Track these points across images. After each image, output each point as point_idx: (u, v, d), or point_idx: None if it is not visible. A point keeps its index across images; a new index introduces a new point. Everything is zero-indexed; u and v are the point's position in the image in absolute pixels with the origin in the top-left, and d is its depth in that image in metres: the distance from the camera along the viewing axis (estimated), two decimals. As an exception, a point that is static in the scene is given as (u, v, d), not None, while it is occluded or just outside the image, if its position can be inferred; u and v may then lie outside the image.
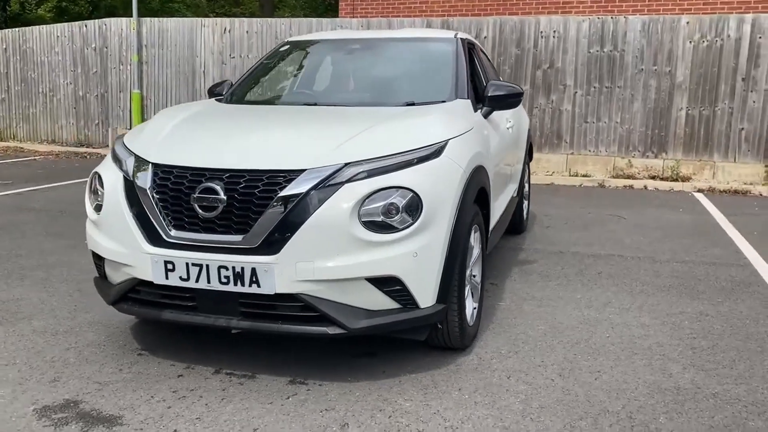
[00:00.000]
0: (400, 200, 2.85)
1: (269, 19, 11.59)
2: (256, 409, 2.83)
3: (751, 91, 9.25)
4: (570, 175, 9.93)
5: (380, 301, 2.90)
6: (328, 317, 2.84)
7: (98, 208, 3.22)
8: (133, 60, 12.04)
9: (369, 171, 2.88)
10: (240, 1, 32.32)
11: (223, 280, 2.85)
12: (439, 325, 3.16)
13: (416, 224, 2.86)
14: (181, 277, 2.91)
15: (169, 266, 2.91)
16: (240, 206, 2.85)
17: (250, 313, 2.93)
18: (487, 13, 11.77)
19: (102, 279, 3.38)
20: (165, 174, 3.00)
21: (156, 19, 12.16)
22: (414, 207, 2.87)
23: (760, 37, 9.14)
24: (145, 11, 12.15)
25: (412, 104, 3.77)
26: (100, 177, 3.24)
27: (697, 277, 4.87)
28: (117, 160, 3.27)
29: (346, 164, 2.88)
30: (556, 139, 10.07)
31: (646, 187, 9.35)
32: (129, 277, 3.07)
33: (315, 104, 3.86)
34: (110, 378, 3.12)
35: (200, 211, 2.88)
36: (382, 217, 2.84)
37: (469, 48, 4.61)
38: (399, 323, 2.95)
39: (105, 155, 13.05)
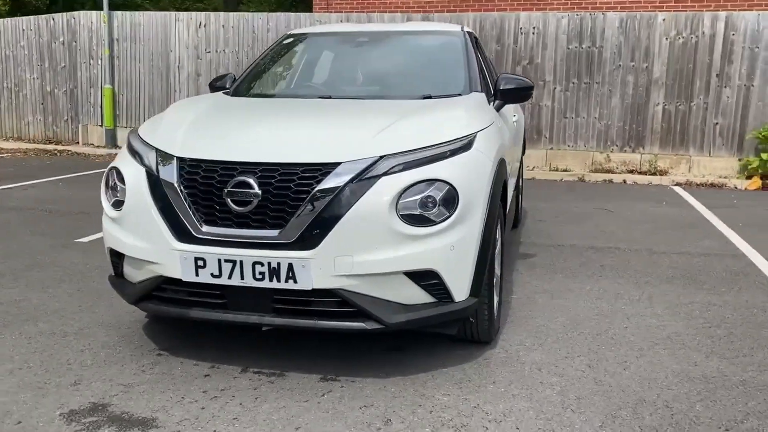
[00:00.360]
0: (437, 193, 2.83)
1: (246, 13, 11.42)
2: (294, 408, 2.77)
3: (725, 87, 9.48)
4: (550, 170, 10.04)
5: (416, 295, 2.87)
6: (366, 312, 2.80)
7: (118, 205, 3.11)
8: (104, 54, 11.72)
9: (404, 164, 2.84)
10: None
11: (258, 276, 2.78)
12: (471, 319, 3.15)
13: (453, 217, 2.84)
14: (212, 274, 2.82)
15: (200, 263, 2.82)
16: (276, 200, 2.78)
17: (284, 310, 2.86)
18: (463, 9, 11.80)
19: (119, 278, 3.26)
20: (192, 168, 2.91)
21: (128, 12, 11.87)
22: (450, 200, 2.85)
23: (733, 35, 9.37)
24: (110, 5, 11.81)
25: (429, 97, 3.74)
26: (118, 172, 3.13)
27: (696, 268, 4.96)
28: (136, 154, 3.15)
29: (381, 157, 2.84)
30: (536, 134, 10.16)
31: (625, 182, 9.51)
32: (154, 275, 2.97)
33: (329, 97, 3.79)
34: (134, 379, 3.02)
35: (233, 205, 2.80)
36: (419, 210, 2.81)
37: (474, 41, 4.61)
38: (434, 317, 2.92)
39: (76, 152, 12.49)
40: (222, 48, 11.25)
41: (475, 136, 3.13)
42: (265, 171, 2.81)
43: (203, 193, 2.86)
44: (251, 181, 2.79)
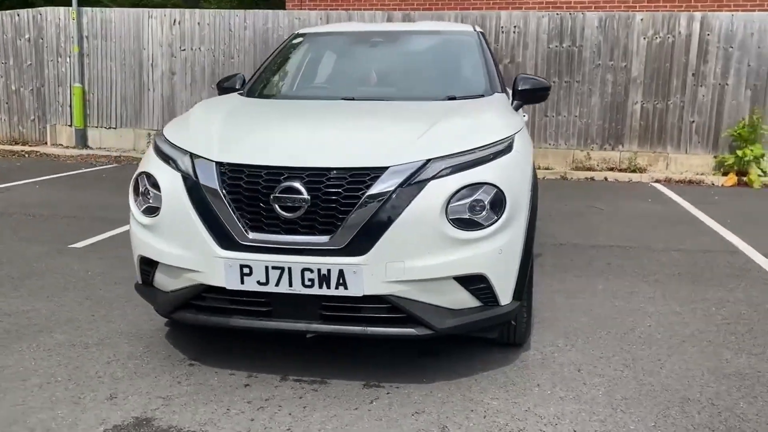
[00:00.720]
0: (485, 196, 2.81)
1: (222, 10, 11.21)
2: (345, 416, 2.72)
3: (701, 86, 9.72)
4: (532, 168, 10.12)
5: (464, 299, 2.85)
6: (417, 318, 2.76)
7: (150, 211, 3.00)
8: (73, 52, 11.36)
9: (452, 167, 2.81)
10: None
11: (307, 283, 2.72)
12: (513, 322, 3.14)
13: (501, 221, 2.82)
14: (258, 282, 2.75)
15: (246, 270, 2.75)
16: (325, 206, 2.72)
17: (332, 317, 2.81)
18: (439, 8, 11.81)
19: (148, 286, 3.15)
20: (235, 173, 2.83)
21: (98, 9, 11.53)
22: (498, 203, 2.83)
23: (708, 35, 9.60)
24: (67, 1, 11.46)
25: (453, 98, 3.72)
26: (151, 177, 3.01)
27: (699, 265, 5.06)
28: (167, 158, 3.05)
29: (428, 160, 2.81)
30: (517, 132, 10.22)
31: (606, 179, 9.66)
32: (193, 283, 2.88)
33: (352, 99, 3.74)
34: (171, 391, 2.92)
35: (281, 211, 2.73)
36: (468, 213, 2.79)
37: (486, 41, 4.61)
38: (481, 322, 2.91)
39: (45, 153, 12.06)
40: (197, 45, 11.03)
41: (513, 138, 3.12)
42: (313, 176, 2.75)
43: (248, 199, 2.78)
44: (300, 186, 2.72)
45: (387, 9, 11.72)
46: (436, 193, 2.74)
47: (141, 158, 10.60)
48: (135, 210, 3.08)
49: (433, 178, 2.76)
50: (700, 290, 4.44)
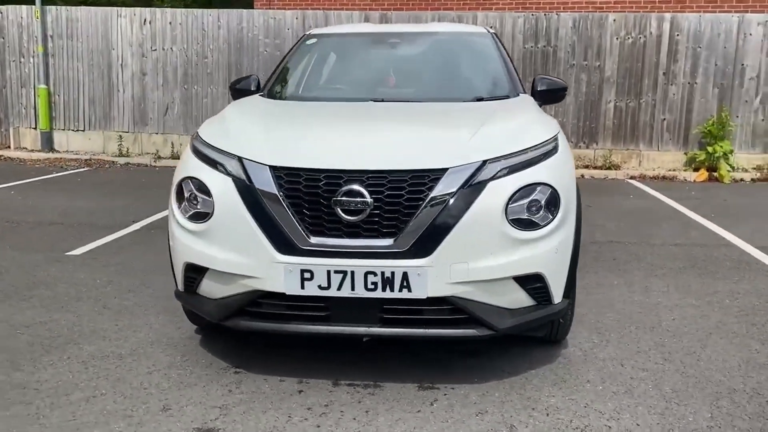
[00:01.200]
0: (541, 196, 2.84)
1: (195, 9, 10.99)
2: (411, 419, 2.71)
3: (671, 84, 10.02)
4: (510, 166, 10.25)
5: (521, 299, 2.88)
6: (478, 319, 2.78)
7: (199, 217, 2.93)
8: (37, 52, 10.97)
9: (508, 168, 2.84)
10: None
11: (370, 286, 2.70)
12: (561, 320, 3.19)
13: (556, 220, 2.87)
14: (320, 286, 2.72)
15: (307, 275, 2.71)
16: (389, 208, 2.71)
17: (393, 320, 2.79)
18: (397, 8, 11.83)
19: (191, 294, 3.08)
20: (292, 177, 2.78)
21: (63, 7, 11.16)
22: (553, 202, 2.87)
23: (677, 35, 9.91)
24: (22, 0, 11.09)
25: (481, 99, 3.76)
26: (198, 182, 2.94)
27: (700, 258, 5.22)
28: (214, 163, 2.97)
29: (485, 161, 2.82)
30: (495, 131, 10.34)
31: (583, 176, 9.86)
32: (248, 289, 2.82)
33: (382, 100, 3.72)
34: (225, 400, 2.86)
35: (344, 215, 2.70)
36: (526, 214, 2.82)
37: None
38: (536, 320, 2.94)
39: (10, 157, 11.71)
40: (169, 45, 10.79)
41: (558, 138, 3.17)
42: (373, 178, 2.73)
43: (309, 203, 2.74)
44: (362, 189, 2.70)
45: (360, 9, 11.70)
46: (496, 194, 2.76)
47: (113, 161, 10.43)
48: (180, 216, 3.00)
49: (492, 179, 2.78)
50: (709, 283, 4.58)
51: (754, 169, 9.90)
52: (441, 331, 2.80)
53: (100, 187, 8.37)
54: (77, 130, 11.20)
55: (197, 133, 3.27)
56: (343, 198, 2.70)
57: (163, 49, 10.81)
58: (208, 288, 2.98)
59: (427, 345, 3.37)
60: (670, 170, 9.98)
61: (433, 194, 2.71)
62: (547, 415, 2.76)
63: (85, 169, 10.05)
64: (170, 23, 10.75)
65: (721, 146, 9.57)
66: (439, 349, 3.36)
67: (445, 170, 2.76)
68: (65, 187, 8.41)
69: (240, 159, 2.91)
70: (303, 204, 2.75)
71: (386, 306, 2.77)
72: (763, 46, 9.80)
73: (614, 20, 10.00)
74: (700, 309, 4.05)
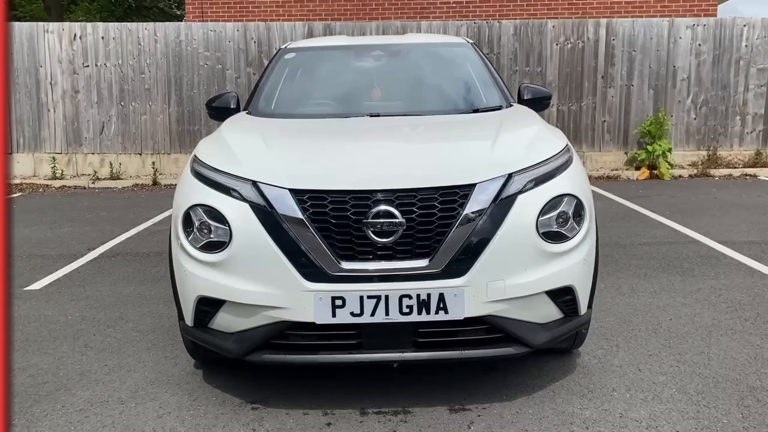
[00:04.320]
0: (568, 207, 2.82)
1: (129, 24, 10.54)
2: (453, 445, 2.62)
3: (609, 87, 10.36)
4: (460, 173, 10.33)
5: (551, 313, 2.85)
6: (515, 336, 2.72)
7: (213, 247, 2.74)
8: (-45, 72, 10.23)
9: (534, 180, 2.80)
10: (17, 5, 28.72)
11: (405, 310, 2.60)
12: (584, 330, 3.17)
13: (582, 230, 2.85)
14: (352, 313, 2.59)
15: (338, 302, 2.58)
16: (421, 228, 2.61)
17: (427, 343, 2.70)
18: (335, 18, 11.79)
19: (203, 329, 2.88)
20: (316, 200, 2.64)
21: (-18, 23, 10.45)
22: (578, 213, 2.86)
23: (613, 39, 10.26)
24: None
25: (477, 110, 3.73)
26: (210, 209, 2.75)
27: (673, 257, 5.37)
28: (224, 188, 2.79)
29: (510, 174, 2.78)
30: (443, 138, 10.40)
31: (532, 179, 10.04)
32: (273, 321, 2.66)
33: (378, 115, 3.63)
34: (252, 441, 2.69)
35: (375, 237, 2.59)
36: (555, 226, 2.78)
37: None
38: (565, 333, 2.91)
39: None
40: (103, 61, 10.30)
41: (569, 147, 3.16)
42: (403, 197, 2.63)
43: (337, 227, 2.61)
44: (393, 209, 2.59)
45: (299, 20, 11.54)
46: (527, 207, 2.71)
47: (48, 184, 9.84)
48: (189, 247, 2.80)
49: (521, 192, 2.74)
50: (690, 281, 4.71)
51: (690, 165, 10.36)
52: (478, 352, 2.73)
53: (40, 214, 7.87)
54: (4, 154, 10.50)
55: (196, 156, 3.08)
56: (374, 220, 2.59)
57: (96, 65, 10.31)
58: (225, 321, 2.80)
59: (447, 364, 3.29)
60: (613, 170, 10.30)
61: (465, 211, 2.63)
62: (587, 428, 2.73)
63: (18, 194, 9.44)
64: (103, 38, 10.28)
65: (660, 145, 9.96)
66: (456, 366, 3.29)
67: (474, 186, 2.69)
68: (1, 215, 7.84)
69: (255, 183, 2.74)
70: (331, 228, 2.62)
71: (420, 329, 2.67)
72: (692, 49, 10.28)
73: (553, 27, 10.26)
74: (692, 308, 4.15)
